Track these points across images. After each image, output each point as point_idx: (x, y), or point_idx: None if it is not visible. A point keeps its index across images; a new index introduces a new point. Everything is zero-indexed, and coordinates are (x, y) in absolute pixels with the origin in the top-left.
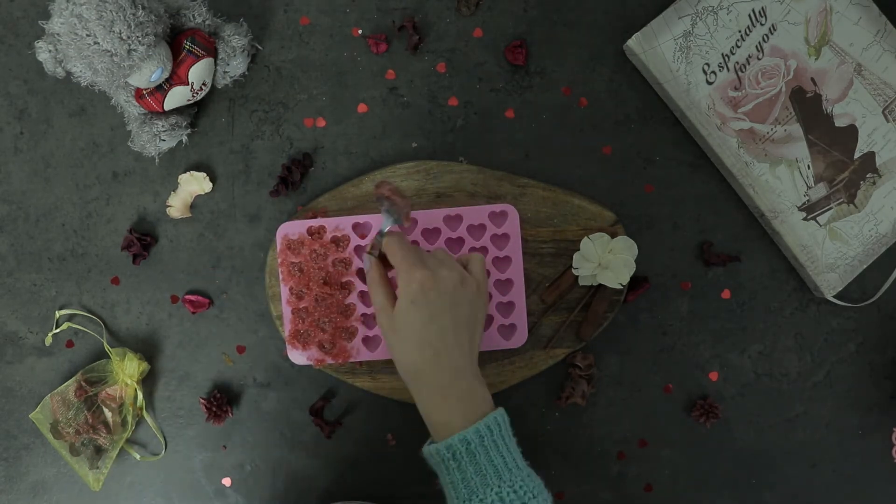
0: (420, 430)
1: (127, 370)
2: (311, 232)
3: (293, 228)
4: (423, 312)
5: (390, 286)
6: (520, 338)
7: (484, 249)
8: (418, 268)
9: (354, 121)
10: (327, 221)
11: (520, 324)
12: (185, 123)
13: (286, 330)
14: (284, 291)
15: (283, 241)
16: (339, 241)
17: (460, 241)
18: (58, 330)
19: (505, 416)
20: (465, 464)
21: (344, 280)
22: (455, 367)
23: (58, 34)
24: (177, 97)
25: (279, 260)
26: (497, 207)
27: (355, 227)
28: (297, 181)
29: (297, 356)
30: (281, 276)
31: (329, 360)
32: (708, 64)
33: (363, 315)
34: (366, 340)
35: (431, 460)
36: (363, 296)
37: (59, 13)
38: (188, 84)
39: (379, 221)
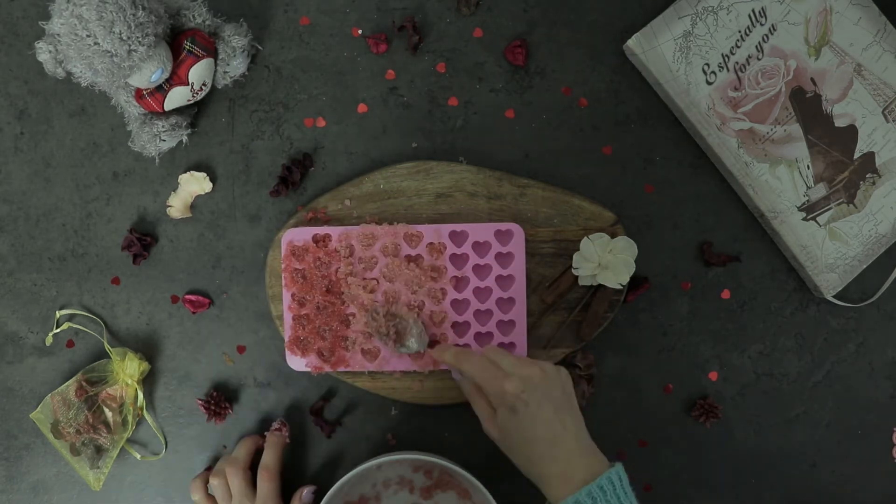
0: (420, 430)
1: (127, 370)
2: (316, 240)
3: (299, 235)
4: (524, 416)
5: (485, 396)
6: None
7: (488, 267)
8: (503, 379)
9: (354, 121)
10: (333, 230)
11: (519, 343)
12: (185, 123)
13: (286, 336)
14: (287, 297)
15: (288, 247)
16: (343, 251)
17: (465, 257)
18: (58, 330)
19: (621, 474)
20: None
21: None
22: (569, 449)
23: (58, 34)
24: (177, 97)
25: (283, 265)
26: (503, 226)
27: (361, 237)
28: (297, 181)
29: (296, 362)
30: (284, 283)
31: (327, 369)
32: (708, 64)
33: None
34: (364, 351)
35: None
36: (364, 306)
37: (59, 13)
38: (188, 84)
39: (389, 234)
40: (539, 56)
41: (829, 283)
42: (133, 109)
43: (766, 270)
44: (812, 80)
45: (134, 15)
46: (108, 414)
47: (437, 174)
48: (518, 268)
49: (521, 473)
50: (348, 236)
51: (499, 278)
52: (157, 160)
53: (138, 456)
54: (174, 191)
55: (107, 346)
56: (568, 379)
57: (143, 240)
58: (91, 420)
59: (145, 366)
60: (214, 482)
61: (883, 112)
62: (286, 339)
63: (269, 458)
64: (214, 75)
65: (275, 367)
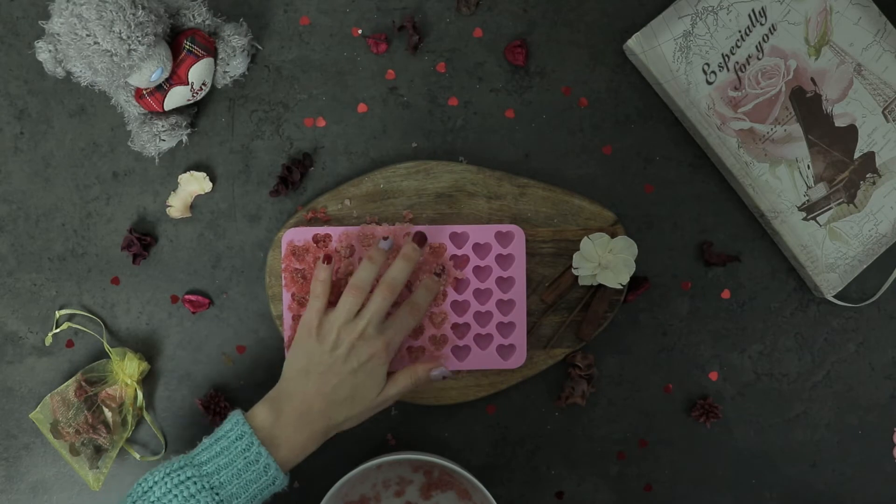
0: (420, 430)
1: (127, 370)
2: (316, 240)
3: (299, 235)
4: None
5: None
6: (518, 359)
7: (488, 269)
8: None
9: (354, 121)
10: (333, 230)
11: (519, 345)
12: (185, 123)
13: (286, 336)
14: (286, 297)
15: (289, 247)
16: (344, 251)
17: (465, 258)
18: (58, 330)
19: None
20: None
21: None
22: None
23: (58, 34)
24: (177, 97)
25: (283, 265)
26: (504, 228)
27: (362, 237)
28: (297, 181)
29: None
30: (284, 283)
31: None
32: (708, 64)
33: None
34: None
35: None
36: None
37: (59, 13)
38: (188, 84)
39: (390, 234)
40: (539, 56)
41: (830, 283)
42: (133, 109)
43: (766, 270)
44: (812, 79)
45: (134, 14)
46: (108, 414)
47: (437, 174)
48: (518, 270)
49: (520, 473)
50: (348, 236)
51: (499, 280)
52: (156, 160)
53: (138, 456)
54: (174, 191)
55: (106, 346)
56: None
57: (142, 240)
58: (90, 420)
59: (145, 366)
60: (350, 296)
61: (883, 112)
62: (286, 339)
63: (422, 298)
64: (214, 75)
65: (275, 367)
